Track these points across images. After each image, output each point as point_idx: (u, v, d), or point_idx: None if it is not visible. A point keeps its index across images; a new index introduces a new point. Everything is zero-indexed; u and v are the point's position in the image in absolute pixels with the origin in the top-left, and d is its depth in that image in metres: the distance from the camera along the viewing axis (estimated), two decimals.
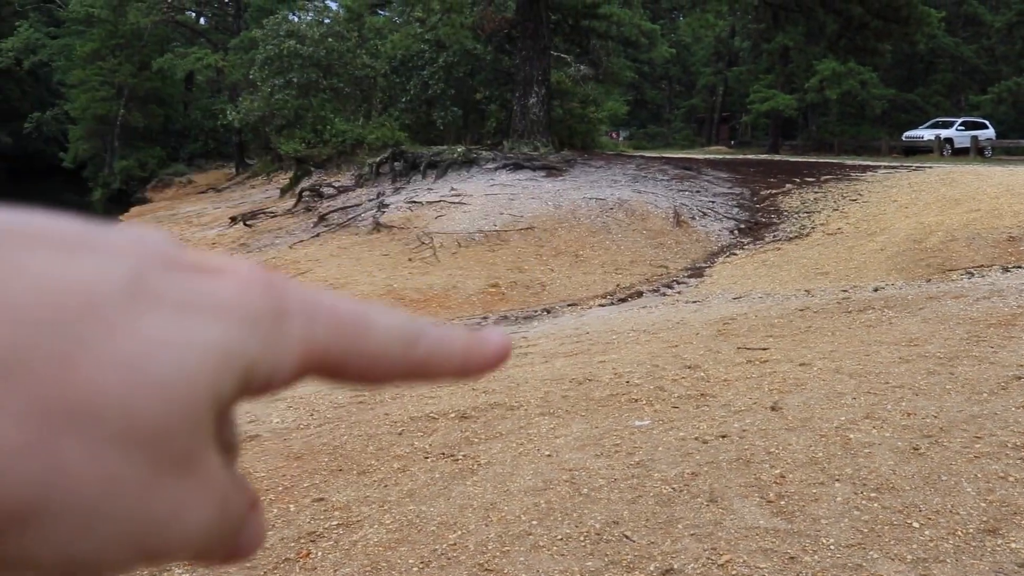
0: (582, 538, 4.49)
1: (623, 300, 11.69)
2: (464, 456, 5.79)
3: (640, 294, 11.93)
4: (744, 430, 5.60)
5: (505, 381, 7.36)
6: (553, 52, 22.51)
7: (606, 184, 16.82)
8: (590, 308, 11.37)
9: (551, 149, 20.13)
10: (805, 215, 15.16)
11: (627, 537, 4.44)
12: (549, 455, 5.58)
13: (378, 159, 19.79)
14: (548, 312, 11.22)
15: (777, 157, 29.33)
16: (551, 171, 17.30)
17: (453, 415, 6.60)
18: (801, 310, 9.09)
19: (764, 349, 7.49)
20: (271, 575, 4.63)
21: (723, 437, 5.53)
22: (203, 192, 34.58)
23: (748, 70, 44.23)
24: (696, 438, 5.56)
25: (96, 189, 42.67)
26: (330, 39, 26.82)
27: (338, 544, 4.83)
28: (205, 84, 45.80)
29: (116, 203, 38.74)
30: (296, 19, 30.41)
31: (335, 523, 5.09)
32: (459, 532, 4.73)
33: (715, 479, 4.96)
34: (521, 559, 4.37)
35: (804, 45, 36.98)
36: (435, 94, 25.16)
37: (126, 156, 41.84)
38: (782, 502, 4.66)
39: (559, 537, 4.52)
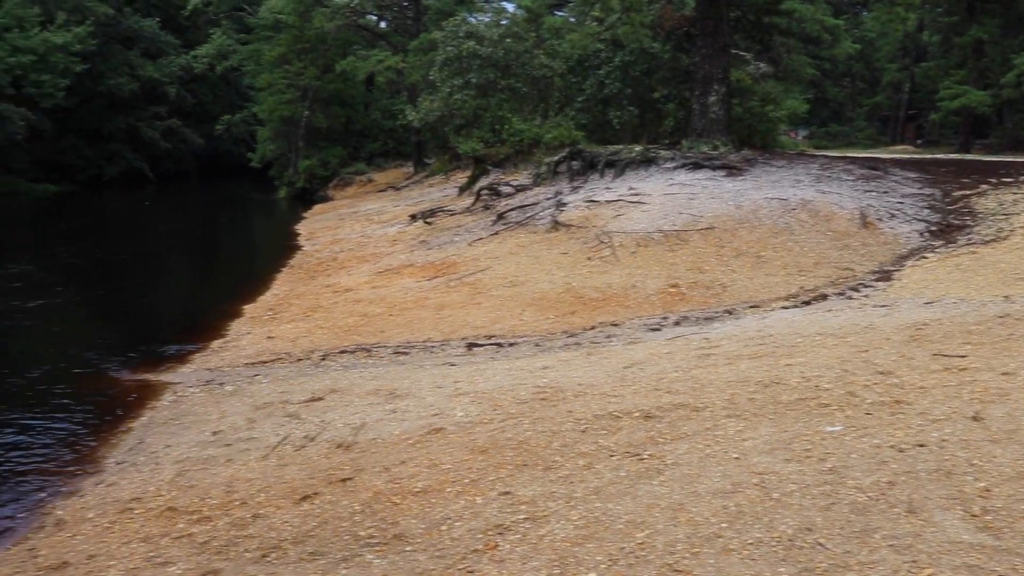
0: (774, 543, 4.42)
1: (807, 303, 11.41)
2: (650, 455, 5.77)
3: (824, 297, 11.61)
4: (944, 440, 5.38)
5: (689, 382, 7.29)
6: (732, 49, 22.16)
7: (788, 184, 16.44)
8: (772, 310, 11.15)
9: (731, 148, 19.82)
10: (1003, 217, 14.42)
11: (821, 545, 4.34)
12: (737, 458, 5.50)
13: (556, 158, 19.91)
14: (729, 313, 11.06)
15: (970, 156, 28.01)
16: (731, 170, 17.03)
17: (637, 414, 6.58)
18: (1001, 317, 8.65)
19: (962, 357, 7.16)
20: (459, 565, 4.72)
21: (921, 446, 5.32)
22: (382, 190, 35.48)
23: (937, 65, 42.30)
24: (892, 446, 5.38)
25: (281, 187, 44.35)
26: (508, 40, 27.12)
27: (525, 537, 4.89)
28: (385, 85, 46.98)
29: (300, 201, 40.18)
30: (474, 21, 30.88)
31: (522, 517, 5.15)
32: (647, 531, 4.72)
33: (913, 489, 4.78)
34: (711, 561, 4.33)
35: (1001, 38, 35.21)
36: (611, 93, 25.12)
37: (309, 156, 43.32)
38: (988, 517, 4.45)
39: (750, 541, 4.46)
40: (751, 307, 11.33)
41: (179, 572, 5.16)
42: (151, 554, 5.47)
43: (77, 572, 5.41)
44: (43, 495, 7.07)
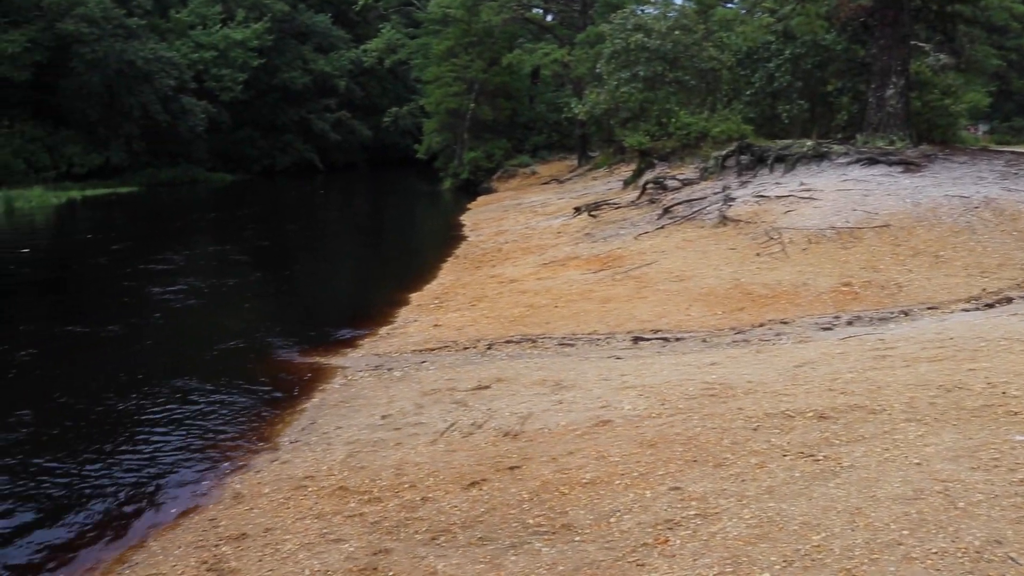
0: (959, 554, 4.21)
1: (990, 306, 10.88)
2: (825, 457, 5.60)
3: (1010, 300, 11.04)
4: None
5: (864, 383, 7.05)
6: (912, 40, 21.31)
7: (970, 181, 15.70)
8: (952, 312, 10.67)
9: (908, 143, 19.05)
10: None
11: (1012, 559, 4.11)
12: (918, 463, 5.28)
13: (724, 152, 19.58)
14: (905, 314, 10.65)
15: None
16: (908, 166, 16.38)
17: (811, 414, 6.40)
18: None
19: None
20: (629, 557, 4.68)
21: None
22: (546, 183, 35.64)
23: None
24: None
25: (446, 179, 45.08)
26: (677, 32, 26.82)
27: (696, 534, 4.81)
28: (550, 78, 47.17)
29: (464, 192, 40.77)
30: (643, 13, 30.64)
31: (692, 513, 5.08)
32: (823, 534, 4.58)
33: None
34: (891, 569, 4.17)
35: None
36: (781, 87, 24.51)
37: (474, 148, 43.88)
38: None
39: (933, 551, 4.27)
40: (929, 308, 10.87)
41: (351, 549, 5.29)
42: (324, 530, 5.63)
43: (255, 544, 5.61)
44: (222, 469, 7.37)
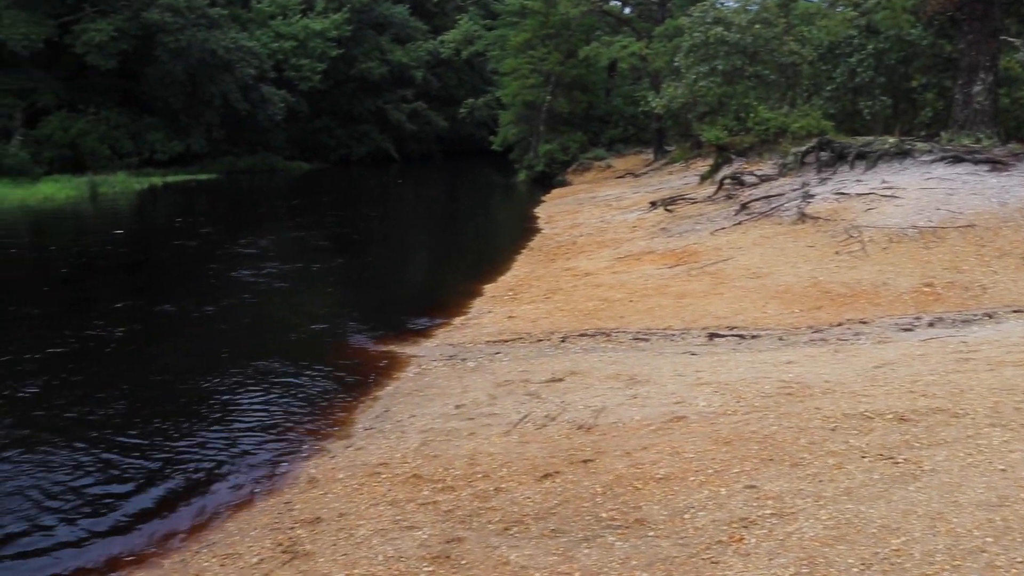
0: None
1: None
2: (905, 460, 5.51)
3: None
4: None
5: (946, 386, 6.91)
6: (1002, 35, 20.74)
7: None
8: None
9: (995, 141, 18.53)
10: None
11: None
12: (1003, 469, 5.17)
13: (803, 148, 19.26)
14: (989, 317, 10.39)
15: None
16: (995, 165, 15.93)
17: (890, 416, 6.29)
18: None
19: None
20: (703, 554, 4.66)
21: None
22: (621, 177, 35.44)
23: None
24: None
25: (521, 171, 45.07)
26: (757, 26, 26.46)
27: (771, 533, 4.77)
28: (627, 71, 46.88)
29: (539, 185, 40.74)
30: (722, 6, 30.29)
31: (768, 512, 5.03)
32: (903, 538, 4.51)
33: None
34: None
35: None
36: (863, 82, 24.07)
37: (550, 140, 43.80)
38: None
39: (1019, 560, 4.18)
40: (1014, 312, 10.59)
41: (425, 537, 5.33)
42: (398, 517, 5.69)
43: (329, 528, 5.69)
44: (297, 453, 7.48)
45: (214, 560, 5.46)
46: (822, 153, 18.56)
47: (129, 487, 6.86)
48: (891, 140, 18.25)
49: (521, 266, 17.12)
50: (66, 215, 30.73)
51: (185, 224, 27.85)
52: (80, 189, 37.56)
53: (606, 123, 47.06)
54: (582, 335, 10.70)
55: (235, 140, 57.05)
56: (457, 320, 12.53)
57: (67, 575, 5.56)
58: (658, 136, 39.25)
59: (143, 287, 16.72)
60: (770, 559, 4.50)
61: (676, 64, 28.92)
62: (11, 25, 44.06)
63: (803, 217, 15.42)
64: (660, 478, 5.73)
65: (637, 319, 11.25)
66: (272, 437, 7.97)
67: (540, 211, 28.19)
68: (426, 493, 6.05)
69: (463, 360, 10.02)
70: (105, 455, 7.55)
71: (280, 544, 5.53)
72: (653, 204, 22.08)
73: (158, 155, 50.17)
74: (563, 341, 10.51)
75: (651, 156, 39.42)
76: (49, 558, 5.77)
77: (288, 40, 60.86)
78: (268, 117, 56.41)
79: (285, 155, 61.23)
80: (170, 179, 46.67)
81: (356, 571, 4.98)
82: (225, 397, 9.28)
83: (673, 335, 10.35)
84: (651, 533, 4.99)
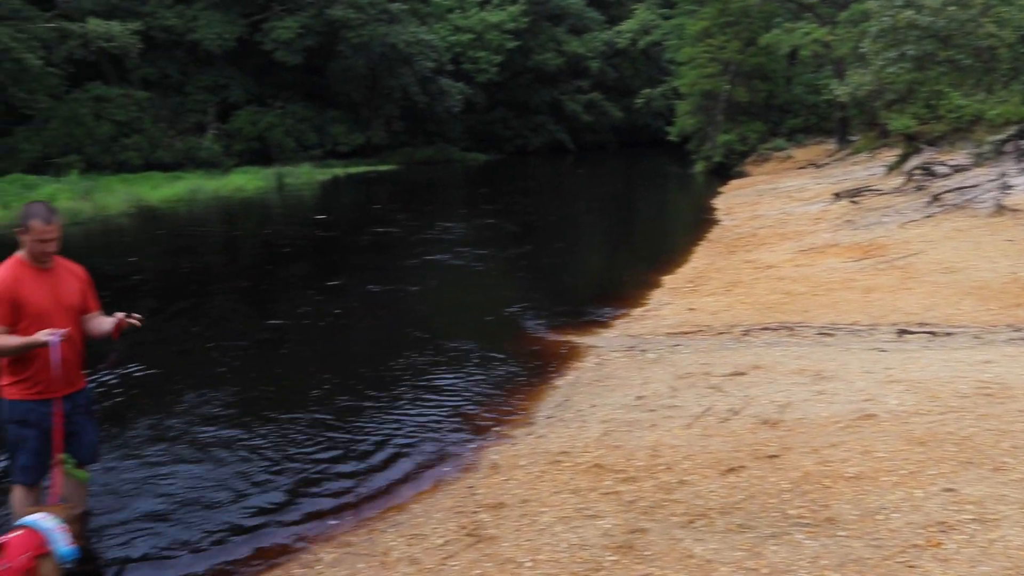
0: None
1: None
2: None
3: None
4: None
5: None
6: None
7: None
8: None
9: None
10: None
11: None
12: None
13: (1001, 137, 18.33)
14: None
15: None
16: None
17: None
18: None
19: None
20: (898, 557, 4.50)
21: None
22: (802, 167, 34.56)
23: None
24: None
25: (698, 162, 44.52)
26: (951, 7, 25.23)
27: (973, 539, 4.57)
28: (809, 59, 45.52)
29: (716, 176, 40.16)
30: None
31: (968, 517, 4.82)
32: None
33: None
34: None
35: None
36: None
37: (728, 130, 43.09)
38: None
39: None
40: None
41: (608, 526, 5.33)
42: (580, 506, 5.70)
43: (512, 513, 5.75)
44: (479, 439, 7.60)
45: (400, 539, 5.60)
46: (1022, 142, 17.60)
47: (321, 465, 7.11)
48: None
49: (700, 258, 16.92)
50: (255, 205, 32.20)
51: (378, 212, 29.27)
52: (268, 180, 39.28)
53: (786, 112, 45.87)
54: (764, 328, 10.49)
55: (413, 132, 58.48)
56: (636, 311, 12.48)
57: (265, 547, 5.80)
58: (841, 125, 38.04)
59: (347, 268, 17.66)
60: (971, 567, 4.31)
61: (862, 50, 27.87)
62: (206, 25, 46.47)
63: (1001, 209, 14.67)
64: (850, 477, 5.56)
65: (822, 313, 10.94)
66: (455, 421, 8.12)
67: (718, 202, 27.78)
68: (608, 483, 6.05)
69: (643, 351, 9.97)
70: (298, 433, 7.84)
71: (464, 527, 5.63)
72: (837, 195, 21.45)
73: (340, 147, 51.97)
74: (745, 334, 10.33)
75: (834, 146, 38.24)
76: (248, 534, 6.04)
77: (465, 33, 61.95)
78: (446, 109, 57.57)
79: (462, 146, 62.40)
80: (351, 170, 48.24)
81: (540, 557, 5.02)
82: (412, 379, 9.51)
83: (860, 330, 10.02)
84: (842, 533, 4.85)
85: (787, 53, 43.34)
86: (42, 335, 5.06)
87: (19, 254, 5.27)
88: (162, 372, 9.98)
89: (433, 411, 8.42)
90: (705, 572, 4.60)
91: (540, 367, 9.87)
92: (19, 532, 4.60)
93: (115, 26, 40.23)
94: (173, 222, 26.71)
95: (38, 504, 5.41)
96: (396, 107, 55.59)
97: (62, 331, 5.12)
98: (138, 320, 5.55)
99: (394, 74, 53.34)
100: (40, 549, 4.53)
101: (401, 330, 12.11)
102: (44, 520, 4.68)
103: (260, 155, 48.21)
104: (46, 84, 39.85)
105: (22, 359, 5.17)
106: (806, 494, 5.41)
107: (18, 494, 5.48)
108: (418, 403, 8.68)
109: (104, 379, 9.20)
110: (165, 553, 5.68)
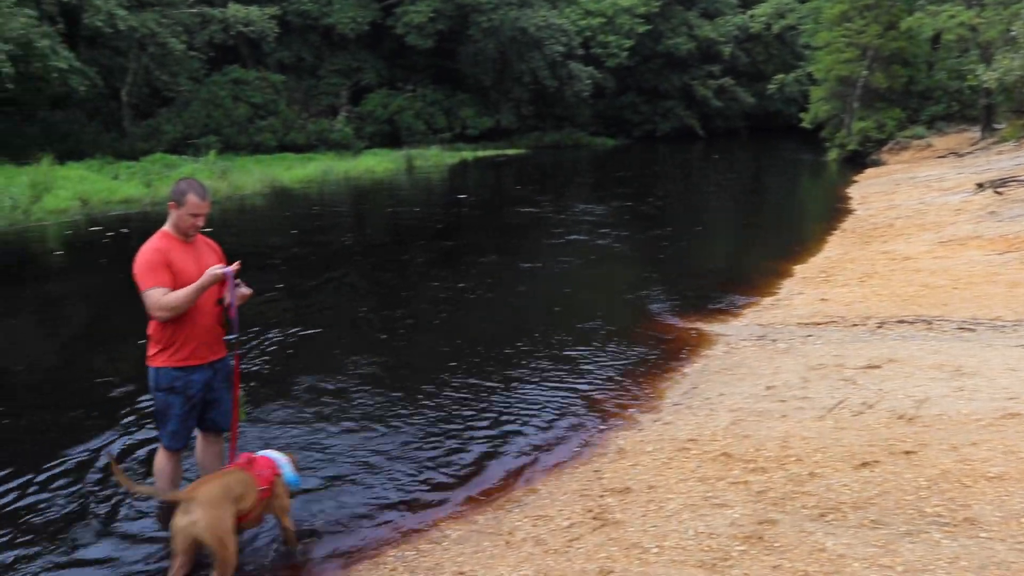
0: None
1: None
2: None
3: None
4: None
5: None
6: None
7: None
8: None
9: None
10: None
11: None
12: None
13: None
14: None
15: None
16: None
17: None
18: None
19: None
20: None
21: None
22: (942, 156, 33.37)
23: None
24: None
25: (831, 149, 43.40)
26: None
27: None
28: (953, 43, 43.89)
29: (850, 164, 39.10)
30: None
31: None
32: None
33: None
34: None
35: None
36: None
37: (864, 117, 41.84)
38: None
39: None
40: None
41: (736, 516, 5.26)
42: (708, 494, 5.64)
43: (639, 498, 5.72)
44: (606, 424, 7.58)
45: (526, 520, 5.63)
46: None
47: (448, 443, 7.20)
48: None
49: (833, 247, 16.52)
50: (387, 186, 32.73)
51: (516, 193, 29.76)
52: (397, 162, 39.90)
53: (927, 99, 44.25)
54: (900, 321, 10.17)
55: (542, 116, 58.60)
56: (766, 300, 12.27)
57: (394, 522, 5.90)
58: (986, 112, 36.55)
59: (490, 247, 18.34)
60: None
61: (1012, 33, 26.79)
62: (340, 10, 47.41)
63: None
64: (992, 477, 5.36)
65: (962, 307, 10.56)
66: (581, 405, 8.12)
67: (853, 191, 27.06)
68: (736, 472, 5.97)
69: (773, 341, 9.80)
70: (429, 410, 7.97)
71: (590, 510, 5.63)
72: (980, 186, 20.64)
73: (469, 130, 52.39)
74: (880, 327, 10.04)
75: (977, 134, 36.79)
76: (378, 509, 6.15)
77: (596, 17, 61.67)
78: (575, 93, 57.47)
79: (590, 131, 62.26)
80: (479, 154, 48.62)
81: (666, 543, 4.99)
82: (540, 360, 9.55)
83: (1004, 326, 9.62)
84: (983, 534, 4.68)
85: (930, 37, 41.83)
86: (214, 268, 5.34)
87: (166, 227, 5.48)
88: (296, 348, 10.25)
89: (560, 394, 8.44)
90: (837, 567, 4.50)
91: (668, 353, 9.79)
92: (259, 455, 5.46)
93: (254, 11, 41.54)
94: (306, 202, 27.38)
95: (179, 468, 5.69)
96: (525, 91, 55.74)
97: (233, 266, 5.43)
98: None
99: (524, 58, 53.47)
100: (276, 470, 5.38)
101: (535, 308, 12.44)
102: (276, 452, 5.58)
103: (390, 138, 48.99)
104: (188, 67, 41.33)
105: (170, 325, 5.37)
106: (944, 492, 5.24)
107: (162, 458, 5.72)
108: (545, 384, 8.71)
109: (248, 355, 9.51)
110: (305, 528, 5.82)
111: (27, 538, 5.65)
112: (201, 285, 5.29)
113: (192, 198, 5.40)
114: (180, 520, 4.74)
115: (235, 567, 4.84)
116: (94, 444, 7.17)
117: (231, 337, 5.64)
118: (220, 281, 5.37)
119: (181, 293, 5.27)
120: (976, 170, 25.77)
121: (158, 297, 5.23)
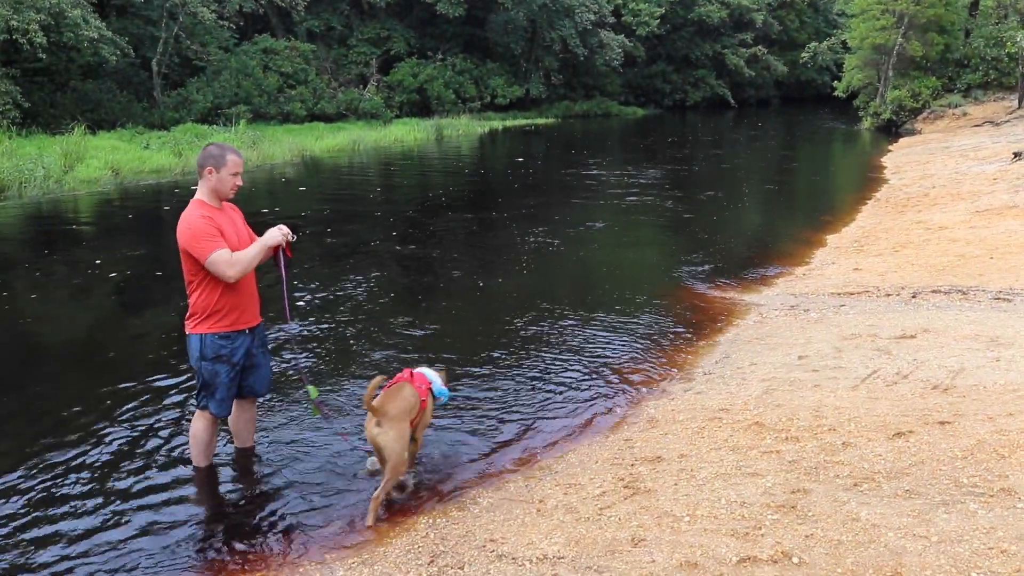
0: None
1: None
2: None
3: None
4: None
5: None
6: None
7: None
8: None
9: None
10: None
11: None
12: None
13: None
14: None
15: None
16: None
17: None
18: None
19: None
20: None
21: None
22: (978, 125, 32.94)
23: None
24: None
25: (865, 118, 42.98)
26: None
27: None
28: (992, 9, 43.22)
29: (884, 133, 38.71)
30: None
31: None
32: None
33: None
34: None
35: None
36: None
37: (899, 86, 41.38)
38: None
39: None
40: None
41: (769, 485, 5.22)
42: (740, 463, 5.61)
43: (670, 467, 5.70)
44: (637, 393, 7.56)
45: (556, 488, 5.63)
46: None
47: (480, 411, 7.20)
48: None
49: (867, 217, 16.38)
50: (416, 155, 32.71)
51: (556, 160, 29.78)
52: (427, 132, 39.82)
53: (963, 67, 43.61)
54: (935, 291, 10.08)
55: (572, 85, 58.32)
56: (799, 270, 12.19)
57: (424, 487, 5.92)
58: None
59: (536, 210, 18.18)
60: None
61: None
62: None
63: None
64: None
65: (998, 278, 10.44)
66: (613, 374, 8.09)
67: (886, 160, 26.79)
68: (768, 441, 5.93)
69: (805, 311, 9.73)
70: (463, 375, 7.96)
71: (621, 479, 5.61)
72: (1017, 155, 20.38)
73: (499, 99, 52.19)
74: (914, 297, 9.95)
75: (1015, 103, 36.27)
76: (409, 474, 6.18)
77: None
78: (605, 62, 57.07)
79: (620, 100, 61.85)
80: (509, 123, 48.46)
81: (698, 512, 4.97)
82: (573, 330, 9.52)
83: None
84: (1020, 505, 4.63)
85: (967, 3, 41.21)
86: (274, 230, 5.55)
87: (199, 196, 5.50)
88: (343, 314, 10.27)
89: (591, 361, 8.43)
90: (871, 536, 4.46)
91: (699, 322, 9.75)
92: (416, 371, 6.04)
93: None
94: (336, 171, 27.41)
95: (216, 435, 5.77)
96: (555, 60, 55.45)
97: (287, 230, 5.62)
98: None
99: (554, 26, 53.15)
100: (429, 384, 5.98)
101: (568, 279, 12.44)
102: (428, 368, 6.15)
103: (419, 107, 48.91)
104: (218, 37, 41.40)
105: (217, 291, 5.43)
106: (980, 463, 5.19)
107: (202, 425, 5.78)
108: (576, 356, 8.68)
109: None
110: (332, 500, 5.83)
111: (68, 505, 5.72)
112: (265, 243, 5.38)
113: (232, 157, 5.52)
114: (373, 429, 5.44)
115: (403, 473, 5.62)
116: (130, 408, 7.23)
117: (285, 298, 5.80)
118: (278, 245, 5.54)
119: (249, 252, 5.36)
120: (1013, 139, 25.43)
121: (228, 256, 5.29)
